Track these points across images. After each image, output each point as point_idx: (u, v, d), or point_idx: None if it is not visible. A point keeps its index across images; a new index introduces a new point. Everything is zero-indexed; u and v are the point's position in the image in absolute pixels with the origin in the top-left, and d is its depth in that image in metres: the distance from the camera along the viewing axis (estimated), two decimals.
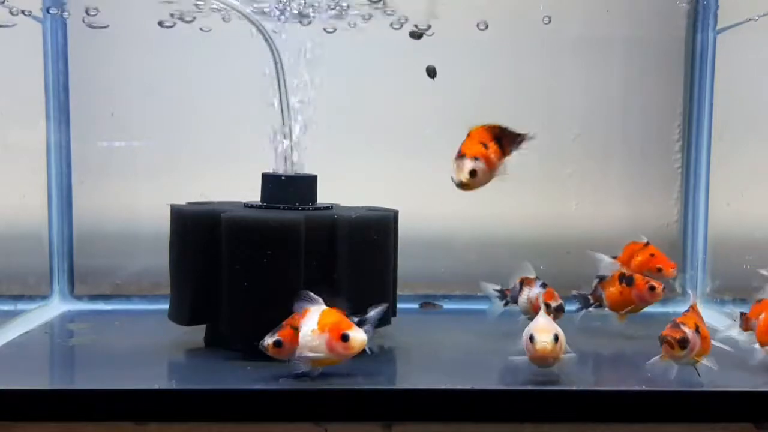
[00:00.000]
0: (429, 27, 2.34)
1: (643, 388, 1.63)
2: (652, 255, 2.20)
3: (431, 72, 2.30)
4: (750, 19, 2.34)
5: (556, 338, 1.65)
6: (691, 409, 1.60)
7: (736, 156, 2.49)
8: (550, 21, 2.35)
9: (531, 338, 1.66)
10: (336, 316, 1.63)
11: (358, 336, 1.60)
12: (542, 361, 1.66)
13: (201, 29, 2.35)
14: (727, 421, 1.59)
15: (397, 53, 2.42)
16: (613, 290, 2.08)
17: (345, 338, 1.59)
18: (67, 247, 2.48)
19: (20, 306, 2.30)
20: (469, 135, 1.75)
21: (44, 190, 2.45)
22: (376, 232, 1.93)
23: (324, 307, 1.66)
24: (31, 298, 2.39)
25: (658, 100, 2.57)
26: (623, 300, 2.07)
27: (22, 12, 2.28)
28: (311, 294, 1.68)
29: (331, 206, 2.03)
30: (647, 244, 2.22)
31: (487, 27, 2.38)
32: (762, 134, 2.42)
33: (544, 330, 1.66)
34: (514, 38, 2.46)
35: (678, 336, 1.62)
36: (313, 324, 1.62)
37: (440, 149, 2.51)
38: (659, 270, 2.17)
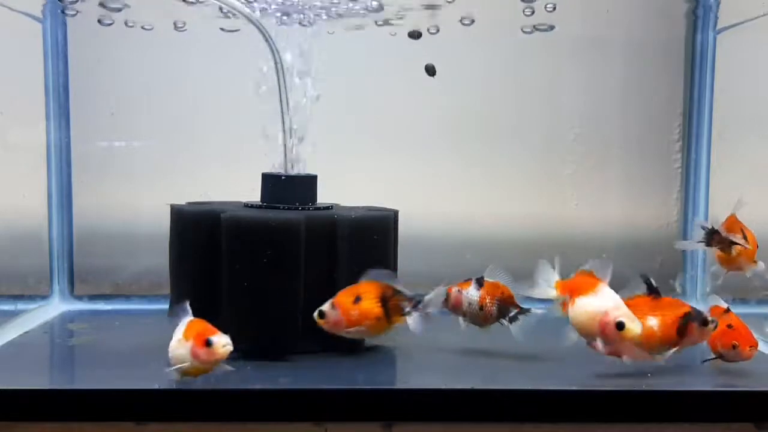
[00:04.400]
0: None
1: (644, 388, 1.63)
2: (729, 326, 1.79)
3: (430, 70, 2.30)
4: (750, 19, 2.35)
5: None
6: (691, 409, 1.60)
7: (736, 156, 2.49)
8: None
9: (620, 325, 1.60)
10: (201, 325, 1.58)
11: (221, 341, 1.55)
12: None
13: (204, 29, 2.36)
14: (727, 421, 1.59)
15: (397, 53, 2.43)
16: None
17: (209, 343, 1.54)
18: (67, 247, 2.48)
19: (20, 306, 2.30)
20: None
21: (44, 190, 2.45)
22: (376, 232, 1.93)
23: (191, 317, 1.61)
24: (31, 298, 2.39)
25: (658, 100, 2.57)
26: None
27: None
28: (186, 306, 1.63)
29: (331, 206, 2.03)
30: (728, 310, 1.86)
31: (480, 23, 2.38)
32: (762, 134, 2.42)
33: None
34: (514, 38, 2.46)
35: None
36: (179, 334, 1.59)
37: (440, 149, 2.53)
38: (734, 347, 1.77)
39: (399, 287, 1.73)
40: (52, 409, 1.55)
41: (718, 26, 2.50)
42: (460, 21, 2.37)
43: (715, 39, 2.51)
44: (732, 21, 2.46)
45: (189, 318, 1.62)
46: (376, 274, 1.75)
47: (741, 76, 2.48)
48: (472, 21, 2.37)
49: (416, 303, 1.71)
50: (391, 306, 1.72)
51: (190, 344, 1.56)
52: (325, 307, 1.71)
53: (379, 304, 1.72)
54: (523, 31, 2.42)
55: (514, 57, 2.52)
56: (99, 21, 2.36)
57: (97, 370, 1.81)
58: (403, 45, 2.38)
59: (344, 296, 1.72)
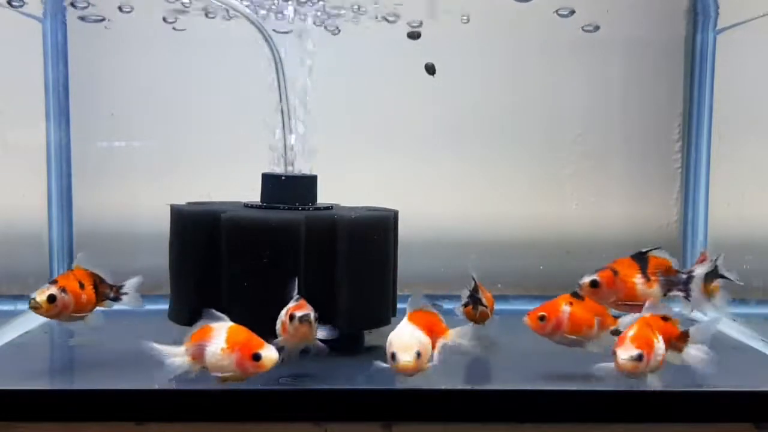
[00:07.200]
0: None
1: (644, 388, 1.63)
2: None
3: (430, 69, 2.30)
4: (750, 19, 2.34)
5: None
6: (691, 409, 1.60)
7: (736, 156, 2.49)
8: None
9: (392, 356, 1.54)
10: (244, 334, 1.57)
11: (271, 354, 1.54)
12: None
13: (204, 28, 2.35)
14: (727, 421, 1.59)
15: (397, 53, 2.43)
16: None
17: (257, 357, 1.53)
18: (67, 247, 2.48)
19: (20, 306, 2.30)
20: None
21: (44, 190, 2.45)
22: (376, 232, 1.93)
23: (230, 323, 1.59)
24: None
25: (658, 100, 2.57)
26: None
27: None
28: (216, 312, 1.61)
29: (331, 206, 2.03)
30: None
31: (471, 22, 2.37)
32: (762, 134, 2.41)
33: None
34: (514, 38, 2.46)
35: None
36: (221, 342, 1.56)
37: (440, 149, 2.53)
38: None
39: (103, 275, 1.92)
40: (52, 409, 1.55)
41: (718, 26, 2.50)
42: (460, 19, 2.38)
43: (715, 39, 2.51)
44: (732, 21, 2.46)
45: (228, 324, 1.59)
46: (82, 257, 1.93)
47: (741, 76, 2.48)
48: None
49: (117, 289, 1.92)
50: (100, 291, 1.89)
51: (235, 356, 1.53)
52: (54, 290, 1.81)
53: (94, 290, 1.88)
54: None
55: (514, 57, 2.52)
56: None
57: (97, 370, 1.81)
58: (403, 45, 2.38)
59: (69, 281, 1.85)
